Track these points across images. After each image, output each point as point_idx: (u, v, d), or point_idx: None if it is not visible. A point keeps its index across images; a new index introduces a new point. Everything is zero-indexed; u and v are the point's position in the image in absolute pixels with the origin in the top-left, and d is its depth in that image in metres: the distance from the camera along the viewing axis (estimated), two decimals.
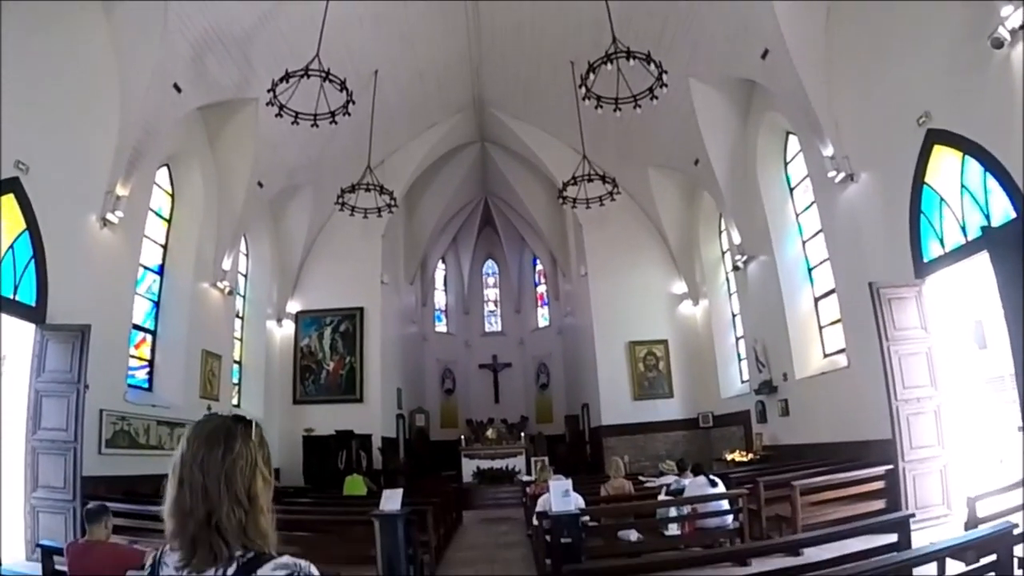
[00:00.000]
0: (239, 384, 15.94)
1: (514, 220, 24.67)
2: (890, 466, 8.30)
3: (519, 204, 22.59)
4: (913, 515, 5.10)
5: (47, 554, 5.51)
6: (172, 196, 13.20)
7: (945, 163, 8.21)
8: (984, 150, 7.39)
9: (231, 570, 1.45)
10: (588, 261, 18.45)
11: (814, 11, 10.08)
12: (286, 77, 9.44)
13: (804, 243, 12.75)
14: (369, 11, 12.76)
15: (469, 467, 18.44)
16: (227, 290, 14.30)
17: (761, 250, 13.61)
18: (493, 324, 28.43)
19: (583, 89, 9.43)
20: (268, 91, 9.56)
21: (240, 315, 16.19)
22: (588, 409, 19.64)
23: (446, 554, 9.62)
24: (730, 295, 16.73)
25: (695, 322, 18.03)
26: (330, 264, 18.07)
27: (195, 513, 1.46)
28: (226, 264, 14.10)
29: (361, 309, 17.70)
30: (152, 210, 12.22)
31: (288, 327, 17.79)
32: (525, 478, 15.35)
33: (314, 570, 1.49)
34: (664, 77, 9.16)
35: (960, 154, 7.90)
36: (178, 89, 10.82)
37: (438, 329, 26.49)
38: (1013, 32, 6.66)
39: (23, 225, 8.41)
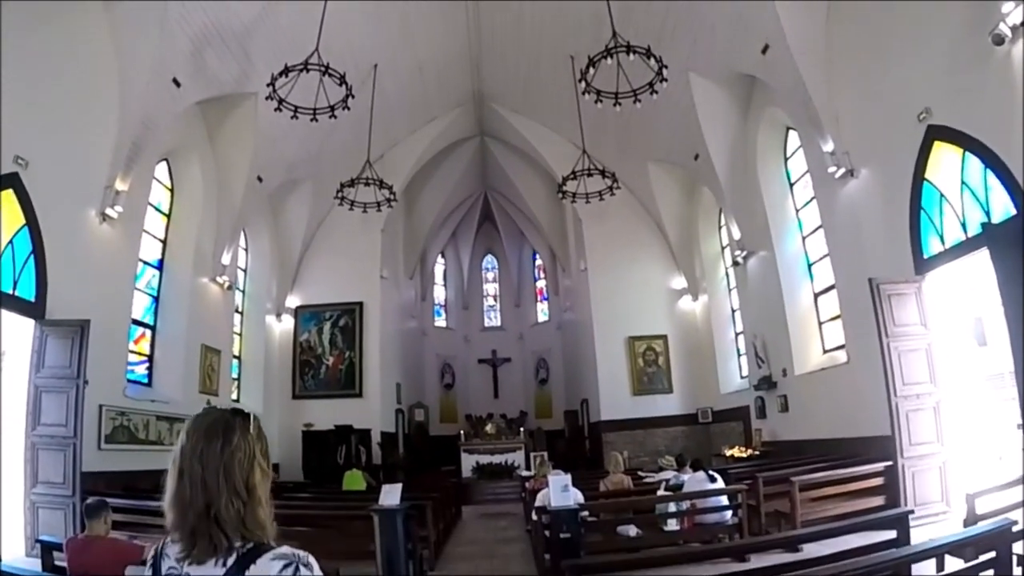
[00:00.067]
0: (238, 379, 15.95)
1: (513, 215, 24.65)
2: (889, 462, 8.31)
3: (519, 199, 22.57)
4: (912, 511, 5.09)
5: (47, 550, 5.52)
6: (171, 191, 13.18)
7: (945, 159, 8.19)
8: (985, 146, 7.37)
9: (230, 560, 1.48)
10: (588, 256, 18.44)
11: (815, 6, 10.06)
12: (285, 71, 9.42)
13: (804, 239, 12.74)
14: (368, 5, 12.71)
15: (468, 462, 18.46)
16: (226, 285, 14.30)
17: (761, 245, 13.60)
18: (492, 319, 28.44)
19: (583, 83, 9.39)
20: (267, 85, 9.55)
21: (239, 310, 16.18)
22: (587, 404, 19.66)
23: (445, 549, 9.62)
24: (730, 290, 16.73)
25: (695, 317, 18.03)
26: (329, 259, 18.06)
27: (194, 505, 1.49)
28: (225, 259, 14.08)
29: (360, 304, 17.70)
30: (151, 205, 12.20)
31: (287, 322, 17.80)
32: (524, 473, 15.34)
33: (312, 560, 1.51)
34: (664, 72, 9.14)
35: (960, 150, 7.88)
36: (177, 84, 10.79)
37: (437, 324, 26.47)
38: (1014, 29, 6.64)
39: (22, 220, 8.40)
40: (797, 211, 12.93)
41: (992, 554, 3.73)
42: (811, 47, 10.15)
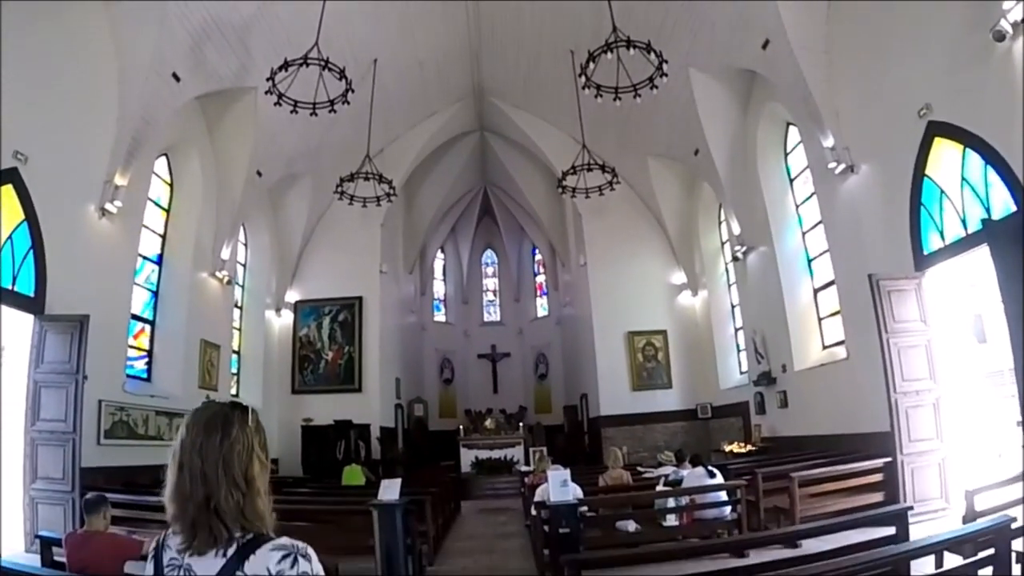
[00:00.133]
0: (238, 374, 15.96)
1: (513, 209, 24.64)
2: (888, 459, 8.30)
3: (518, 193, 22.57)
4: (911, 508, 5.10)
5: (46, 545, 5.51)
6: (171, 186, 13.15)
7: (946, 155, 8.19)
8: (985, 143, 7.36)
9: (230, 551, 1.51)
10: (587, 251, 18.44)
11: (815, 2, 10.02)
12: (285, 66, 9.40)
13: (804, 234, 12.74)
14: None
15: (468, 457, 18.49)
16: (226, 280, 14.29)
17: (761, 241, 13.60)
18: (492, 314, 28.42)
19: (583, 78, 9.38)
20: (267, 80, 9.52)
21: (239, 305, 16.17)
22: (587, 399, 19.67)
23: (444, 544, 9.62)
24: (729, 286, 16.73)
25: (694, 313, 18.04)
26: (329, 253, 18.05)
27: (195, 496, 1.52)
28: (225, 254, 14.07)
29: (360, 299, 17.69)
30: (151, 200, 12.19)
31: (287, 317, 17.79)
32: (523, 468, 15.36)
33: (311, 552, 1.54)
34: (664, 66, 9.12)
35: (961, 147, 7.88)
36: (177, 78, 10.76)
37: (437, 319, 26.47)
38: (1015, 25, 6.63)
39: (22, 215, 8.38)
40: (797, 207, 12.92)
41: (991, 551, 3.72)
42: (811, 42, 10.13)
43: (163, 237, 12.83)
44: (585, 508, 7.43)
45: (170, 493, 1.56)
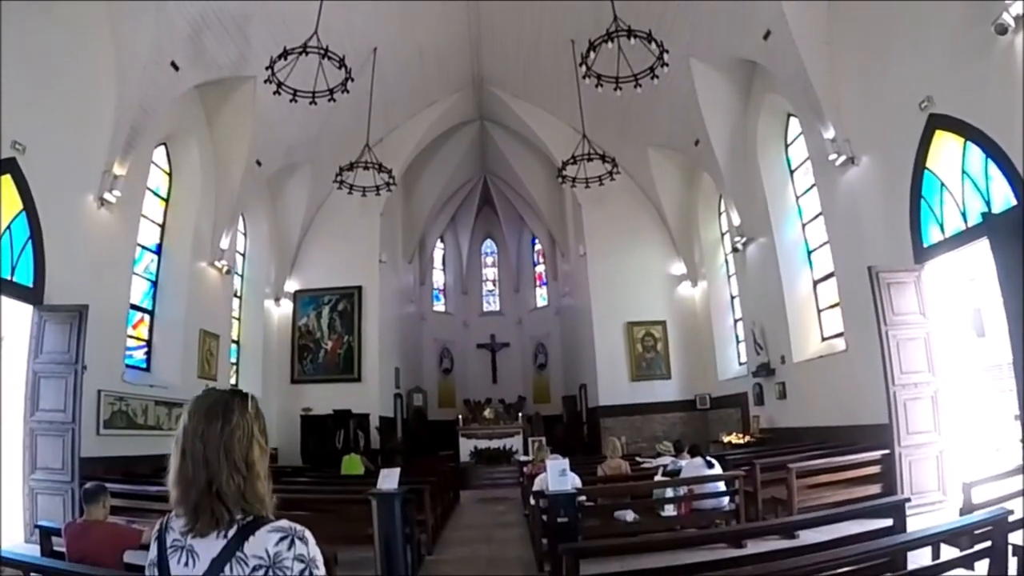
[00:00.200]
0: (237, 363, 15.98)
1: (513, 199, 24.59)
2: (886, 451, 8.32)
3: (518, 183, 22.53)
4: (909, 500, 5.10)
5: (45, 535, 5.53)
6: (169, 175, 13.13)
7: (946, 148, 8.17)
8: (986, 136, 7.35)
9: (231, 533, 1.56)
10: (587, 241, 18.40)
11: None
12: (284, 54, 9.37)
13: (804, 226, 12.72)
14: None
15: (467, 447, 18.54)
16: (225, 269, 14.27)
17: (760, 232, 13.58)
18: (491, 304, 28.44)
19: (583, 68, 9.36)
20: (266, 68, 9.49)
21: (238, 294, 16.18)
22: (586, 390, 19.69)
23: (443, 533, 9.65)
24: (729, 277, 16.73)
25: (693, 303, 18.03)
26: (328, 243, 18.02)
27: (197, 481, 1.57)
28: (224, 243, 14.05)
29: (359, 288, 17.69)
30: (149, 189, 12.17)
31: (286, 306, 17.79)
32: (522, 458, 15.41)
33: (308, 535, 1.59)
34: (665, 56, 9.10)
35: (962, 140, 7.86)
36: (175, 67, 10.72)
37: (436, 308, 26.46)
38: (1017, 18, 6.61)
39: (20, 206, 8.37)
40: (797, 198, 12.90)
41: (988, 543, 3.74)
42: (813, 34, 10.09)
43: (162, 227, 12.81)
44: (584, 498, 7.46)
45: (173, 478, 1.61)
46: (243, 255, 16.63)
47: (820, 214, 11.73)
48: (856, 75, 9.78)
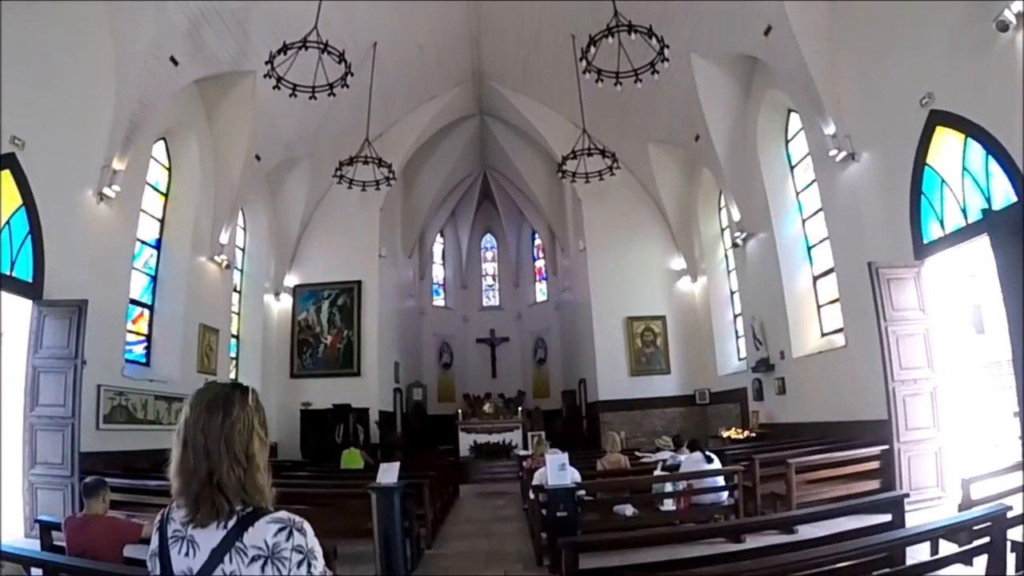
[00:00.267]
0: (236, 358, 15.99)
1: (513, 194, 24.59)
2: (885, 446, 8.33)
3: (518, 178, 22.52)
4: (908, 495, 5.11)
5: (45, 529, 5.53)
6: (169, 170, 13.10)
7: (947, 145, 8.15)
8: (987, 133, 7.33)
9: (231, 523, 1.60)
10: (587, 236, 18.40)
11: None
12: (284, 49, 9.34)
13: (804, 221, 12.72)
14: None
15: (466, 441, 18.54)
16: (224, 264, 14.26)
17: (760, 228, 13.58)
18: (491, 298, 28.43)
19: (584, 62, 9.32)
20: (266, 63, 9.48)
21: (238, 289, 16.17)
22: (585, 384, 19.71)
23: (442, 527, 9.67)
24: (729, 272, 16.73)
25: (693, 299, 18.04)
26: (328, 237, 18.01)
27: (198, 472, 1.61)
28: (223, 238, 14.04)
29: (359, 283, 17.69)
30: (149, 184, 12.14)
31: (286, 301, 17.78)
32: (521, 453, 15.45)
33: (307, 526, 1.64)
34: (665, 52, 9.08)
35: (962, 136, 7.84)
36: (175, 62, 10.69)
37: (436, 303, 26.47)
38: (1019, 16, 6.59)
39: (19, 201, 8.35)
40: (797, 194, 12.89)
41: (986, 539, 3.75)
42: (814, 29, 10.07)
43: (161, 222, 12.80)
44: (583, 492, 7.45)
45: (175, 469, 1.65)
46: (243, 250, 16.61)
47: (820, 210, 11.72)
48: (857, 71, 9.76)
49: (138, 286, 11.91)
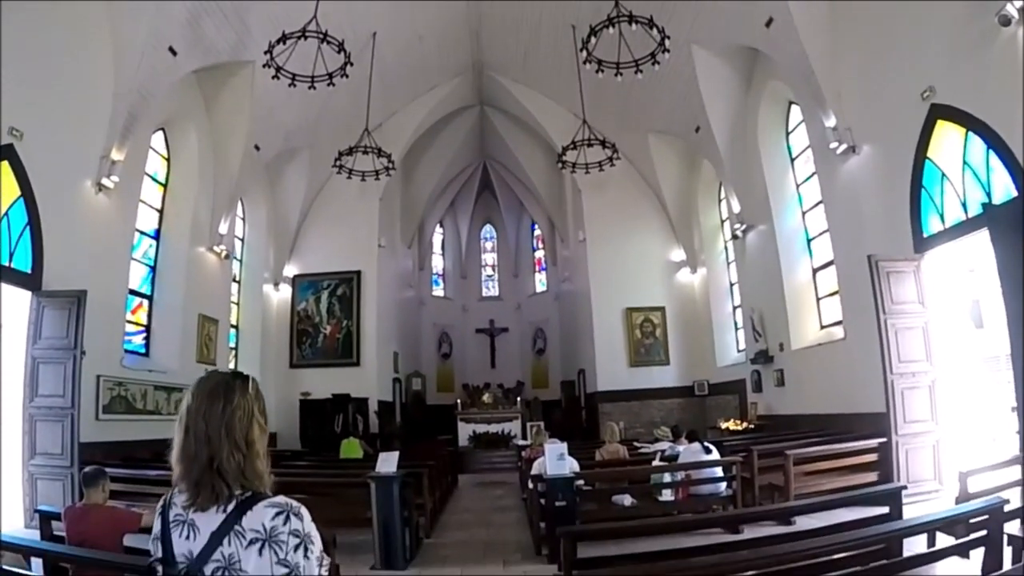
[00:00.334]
0: (236, 348, 16.00)
1: (513, 185, 24.54)
2: (883, 439, 8.36)
3: (518, 168, 22.47)
4: (905, 487, 5.13)
5: (45, 519, 5.54)
6: (168, 160, 13.06)
7: (948, 139, 8.14)
8: (988, 127, 7.33)
9: (230, 507, 1.64)
10: (586, 227, 18.37)
11: None
12: (283, 39, 9.31)
13: (804, 214, 12.71)
14: None
15: (465, 431, 18.61)
16: (224, 254, 14.24)
17: (760, 220, 13.57)
18: (490, 289, 28.43)
19: (584, 53, 9.30)
20: (265, 53, 9.45)
21: (237, 279, 16.17)
22: (584, 375, 19.75)
23: (441, 517, 9.70)
24: (728, 264, 16.73)
25: (692, 290, 18.04)
26: (327, 227, 17.98)
27: (199, 458, 1.65)
28: (223, 228, 14.02)
29: (358, 273, 17.68)
30: (148, 174, 12.11)
31: (285, 291, 17.78)
32: (520, 442, 15.48)
33: (304, 512, 1.67)
34: (666, 42, 9.08)
35: (963, 130, 7.84)
36: (173, 52, 10.63)
37: (435, 293, 26.45)
38: (1021, 10, 6.58)
39: (18, 192, 8.33)
40: (797, 186, 12.88)
41: (983, 532, 3.76)
42: (815, 21, 10.03)
43: (160, 212, 12.77)
44: (581, 482, 7.49)
45: (177, 455, 1.69)
46: (242, 240, 16.59)
47: (820, 202, 11.71)
48: (858, 64, 9.73)
49: (137, 276, 11.90)
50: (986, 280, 7.71)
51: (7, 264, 8.15)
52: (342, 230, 17.77)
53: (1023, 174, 6.73)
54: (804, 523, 6.12)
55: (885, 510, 4.74)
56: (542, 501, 7.17)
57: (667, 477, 8.06)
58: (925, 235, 8.64)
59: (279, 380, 16.87)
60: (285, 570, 1.59)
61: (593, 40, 9.17)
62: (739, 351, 16.03)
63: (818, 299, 12.39)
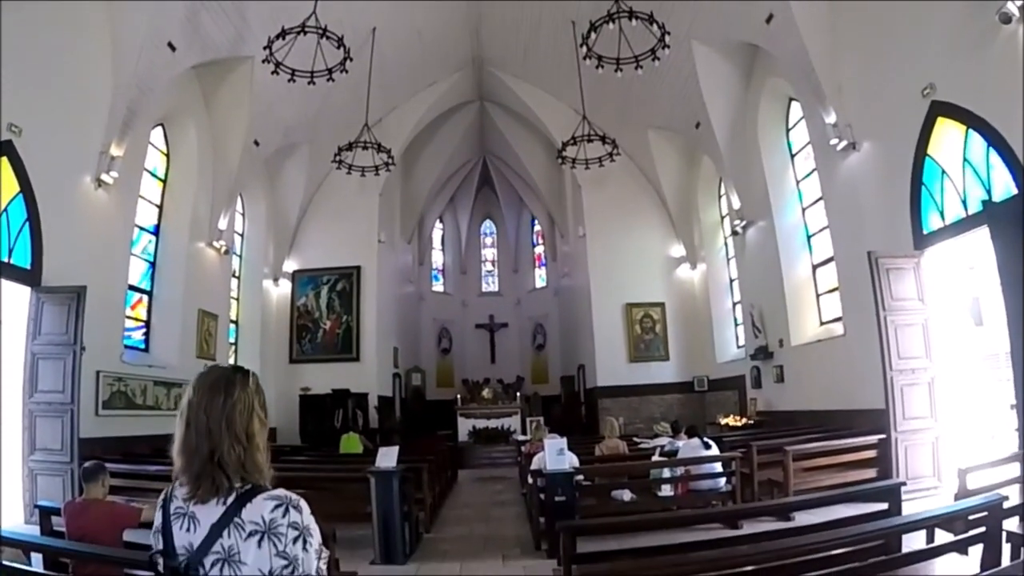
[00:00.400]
0: (235, 344, 16.01)
1: (512, 180, 24.52)
2: (882, 435, 8.38)
3: (518, 164, 22.44)
4: (904, 483, 5.13)
5: (45, 514, 5.53)
6: (167, 156, 13.04)
7: (948, 136, 8.12)
8: (988, 125, 7.31)
9: (230, 500, 1.66)
10: (586, 222, 18.35)
11: None
12: (282, 34, 9.30)
13: (804, 210, 12.69)
14: None
15: (465, 426, 18.63)
16: (223, 250, 14.22)
17: (760, 216, 13.55)
18: (490, 284, 28.44)
19: (584, 48, 9.28)
20: (264, 48, 9.42)
21: (236, 275, 16.16)
22: (584, 370, 19.76)
23: (441, 512, 9.73)
24: (728, 260, 16.73)
25: (692, 286, 18.04)
26: (327, 223, 17.97)
27: (200, 450, 1.67)
28: (222, 223, 14.00)
29: (358, 268, 17.68)
30: (147, 170, 12.08)
31: (285, 286, 17.78)
32: (520, 438, 15.51)
33: (303, 504, 1.70)
34: (666, 38, 9.06)
35: (964, 127, 7.82)
36: (172, 48, 10.60)
37: (435, 288, 26.45)
38: (1022, 8, 6.57)
39: (17, 188, 8.31)
40: (797, 182, 12.86)
41: (982, 529, 3.76)
42: (815, 18, 10.00)
43: (160, 207, 12.75)
44: (581, 477, 7.51)
45: (178, 447, 1.71)
46: (241, 235, 16.58)
47: (820, 199, 11.69)
48: (858, 61, 9.71)
49: (137, 272, 11.89)
50: (986, 277, 7.72)
51: (6, 260, 8.14)
52: (342, 225, 17.76)
53: (1023, 172, 6.72)
54: (803, 519, 6.13)
55: (884, 506, 4.74)
56: (541, 496, 7.19)
57: (666, 472, 8.10)
58: (925, 232, 8.62)
59: (279, 375, 16.87)
60: (284, 562, 1.61)
61: (593, 36, 9.15)
62: (739, 347, 16.03)
63: (818, 295, 12.38)
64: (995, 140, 7.22)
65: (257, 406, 1.78)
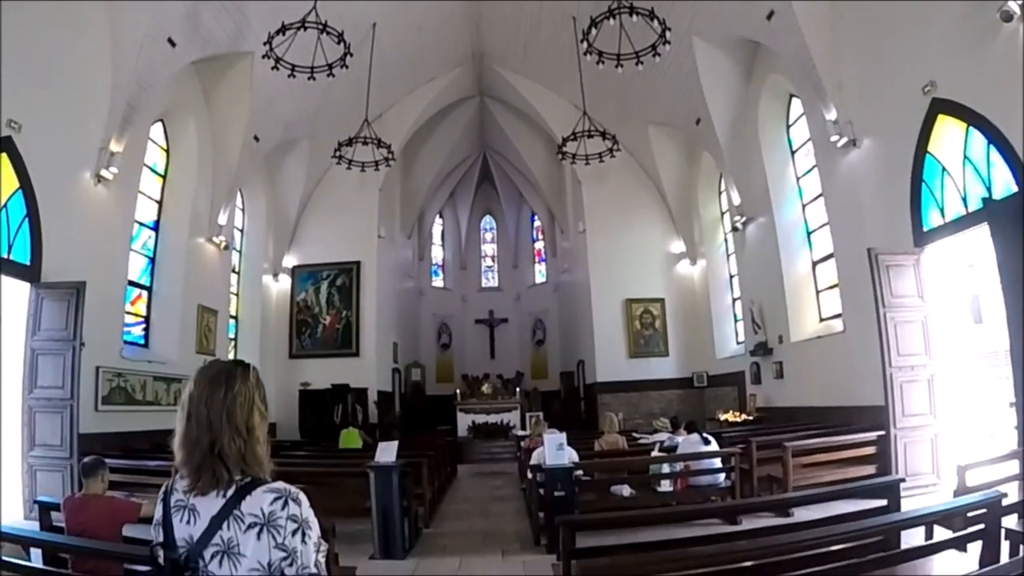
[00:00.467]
0: (235, 339, 16.01)
1: (512, 176, 24.49)
2: (882, 432, 8.38)
3: (518, 159, 22.41)
4: (903, 480, 5.14)
5: (44, 510, 5.54)
6: (167, 151, 13.02)
7: (949, 133, 8.12)
8: (988, 122, 7.31)
9: (230, 492, 1.68)
10: (586, 218, 18.34)
11: None
12: (282, 29, 9.28)
13: (804, 207, 12.69)
14: None
15: (464, 421, 18.67)
16: (223, 245, 14.21)
17: (760, 212, 13.55)
18: (490, 279, 28.43)
19: (584, 44, 9.27)
20: (264, 44, 9.40)
21: (236, 270, 16.16)
22: (583, 366, 19.77)
23: (440, 507, 9.74)
24: (728, 256, 16.72)
25: (692, 282, 18.04)
26: (327, 218, 17.97)
27: (200, 443, 1.69)
28: (222, 219, 13.98)
29: (358, 263, 17.68)
30: (147, 166, 12.07)
31: (284, 281, 17.79)
32: (519, 433, 15.52)
33: (302, 497, 1.71)
34: (667, 34, 9.05)
35: (964, 125, 7.82)
36: (172, 43, 10.58)
37: (435, 284, 26.46)
38: (1023, 6, 6.56)
39: (16, 184, 8.31)
40: (798, 179, 12.86)
41: (980, 525, 3.77)
42: (816, 14, 10.00)
43: (159, 203, 12.75)
44: (580, 472, 7.52)
45: (179, 440, 1.73)
46: (241, 231, 16.58)
47: (820, 195, 11.69)
48: (859, 58, 9.70)
49: (136, 268, 11.89)
50: (986, 275, 7.72)
51: (6, 256, 8.15)
52: (342, 221, 17.76)
53: (1023, 169, 6.71)
54: (802, 515, 6.13)
55: (883, 502, 4.74)
56: (541, 491, 7.20)
57: (666, 468, 8.09)
58: (925, 229, 8.63)
59: (278, 370, 16.90)
60: (283, 554, 1.63)
61: (594, 31, 9.13)
62: (738, 343, 16.04)
63: (817, 292, 12.39)
64: (995, 138, 7.22)
65: (257, 399, 1.79)
